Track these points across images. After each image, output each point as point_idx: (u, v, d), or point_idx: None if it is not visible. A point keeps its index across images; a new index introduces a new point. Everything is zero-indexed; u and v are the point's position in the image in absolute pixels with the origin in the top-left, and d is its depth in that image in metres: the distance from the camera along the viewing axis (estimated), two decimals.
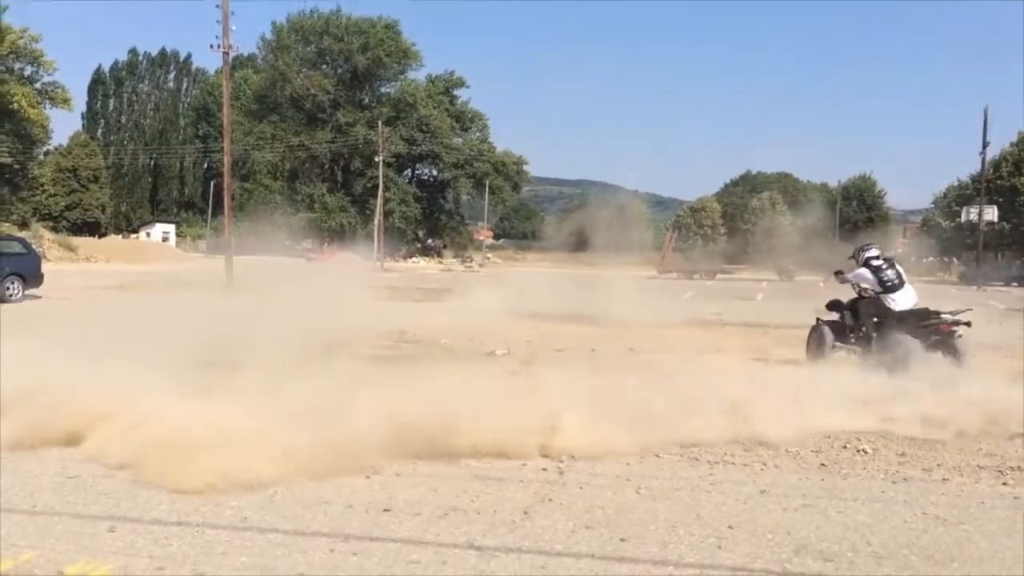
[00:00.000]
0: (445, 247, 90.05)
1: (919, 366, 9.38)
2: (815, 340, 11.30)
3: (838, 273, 11.29)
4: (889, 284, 10.53)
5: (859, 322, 10.92)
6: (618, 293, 21.76)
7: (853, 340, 10.98)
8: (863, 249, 10.99)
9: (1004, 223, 59.01)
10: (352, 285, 24.26)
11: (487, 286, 27.44)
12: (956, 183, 68.82)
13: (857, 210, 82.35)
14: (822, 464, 6.54)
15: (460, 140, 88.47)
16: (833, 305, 11.44)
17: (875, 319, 10.65)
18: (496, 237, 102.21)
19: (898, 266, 10.73)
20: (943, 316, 10.21)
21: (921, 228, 75.30)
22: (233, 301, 15.97)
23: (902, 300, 10.46)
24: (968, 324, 10.15)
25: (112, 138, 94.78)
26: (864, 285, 10.78)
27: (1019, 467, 6.47)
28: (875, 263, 10.67)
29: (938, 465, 6.53)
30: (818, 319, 11.45)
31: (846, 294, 11.49)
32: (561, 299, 20.82)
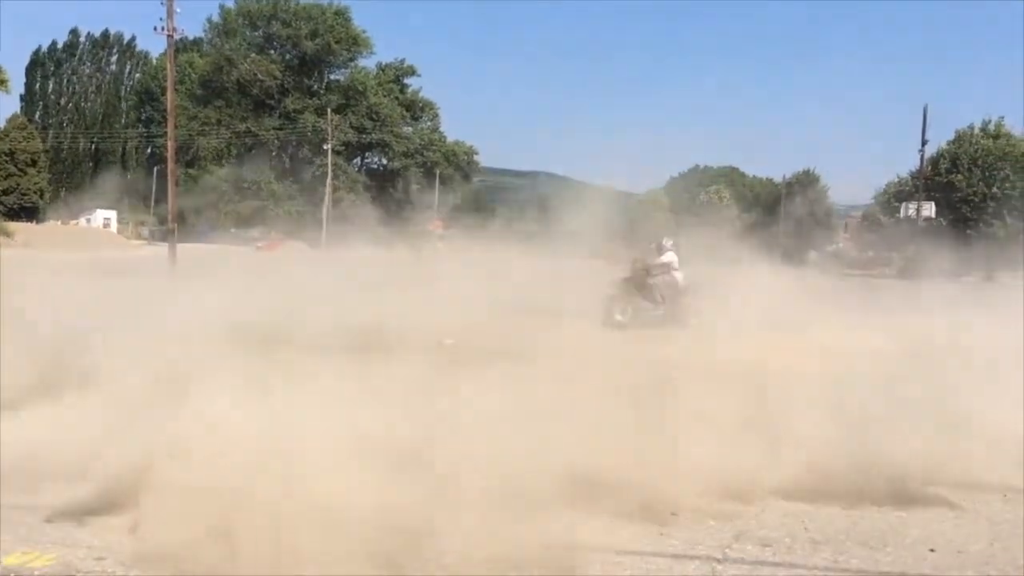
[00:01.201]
0: (395, 236, 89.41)
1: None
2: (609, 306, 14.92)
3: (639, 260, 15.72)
4: (676, 267, 15.33)
5: (653, 292, 15.05)
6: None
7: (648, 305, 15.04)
8: (665, 241, 15.86)
9: (941, 219, 60.68)
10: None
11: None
12: (896, 180, 70.44)
13: (801, 205, 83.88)
14: None
15: (410, 129, 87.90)
16: (630, 279, 15.26)
17: (667, 290, 15.05)
18: (447, 227, 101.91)
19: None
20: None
21: (862, 223, 76.96)
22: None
23: (682, 278, 15.19)
24: None
25: (51, 121, 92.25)
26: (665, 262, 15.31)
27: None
28: (672, 251, 15.51)
29: None
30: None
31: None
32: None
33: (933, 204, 57.24)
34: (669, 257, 15.39)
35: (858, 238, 70.70)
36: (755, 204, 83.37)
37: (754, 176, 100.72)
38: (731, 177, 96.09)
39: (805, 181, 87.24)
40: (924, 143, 50.64)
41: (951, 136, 66.79)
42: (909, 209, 56.38)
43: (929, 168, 59.77)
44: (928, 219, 55.58)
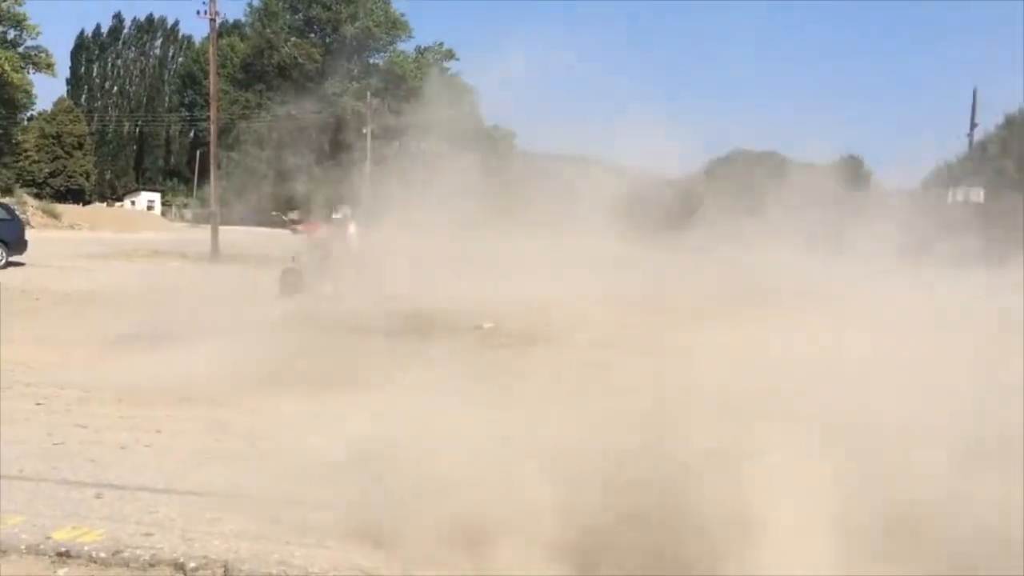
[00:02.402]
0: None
1: None
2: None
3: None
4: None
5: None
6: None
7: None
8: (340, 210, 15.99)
9: (991, 204, 59.33)
10: None
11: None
12: (944, 164, 68.98)
13: (844, 190, 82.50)
14: None
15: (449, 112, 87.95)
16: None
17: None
18: None
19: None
20: None
21: (908, 208, 75.45)
22: None
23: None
24: None
25: (96, 104, 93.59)
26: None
27: None
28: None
29: None
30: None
31: None
32: None
33: (982, 190, 55.94)
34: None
35: (904, 223, 69.29)
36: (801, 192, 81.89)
37: (796, 160, 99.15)
38: (772, 162, 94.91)
39: (848, 165, 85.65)
40: (973, 127, 49.46)
41: (1001, 120, 65.14)
42: (957, 194, 55.17)
43: (979, 152, 58.37)
44: (977, 204, 54.36)
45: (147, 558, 4.01)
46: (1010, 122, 64.67)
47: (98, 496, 4.78)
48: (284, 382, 7.58)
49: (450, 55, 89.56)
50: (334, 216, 17.02)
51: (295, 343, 9.08)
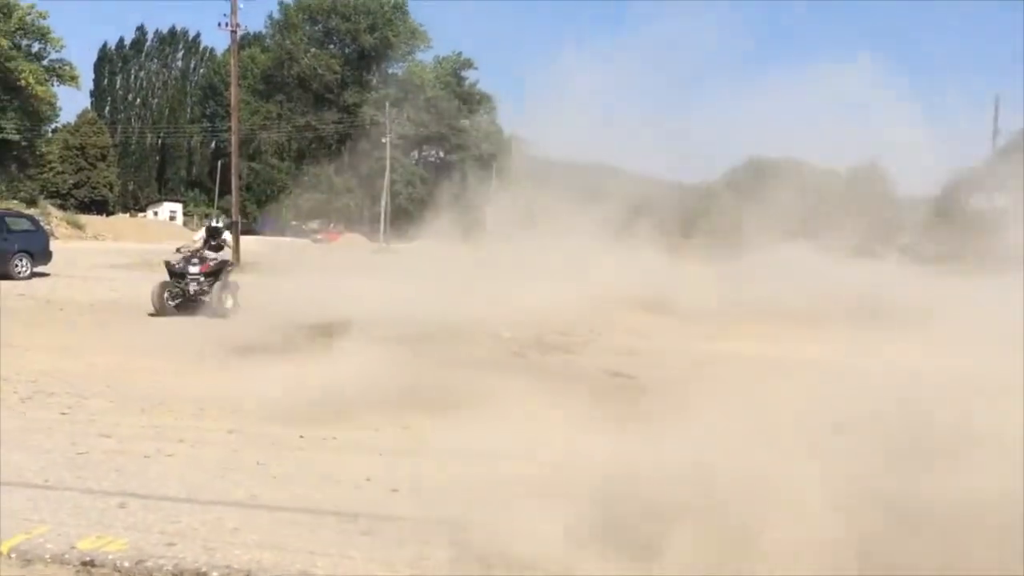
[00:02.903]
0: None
1: None
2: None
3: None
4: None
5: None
6: None
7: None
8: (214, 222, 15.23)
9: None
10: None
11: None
12: (968, 169, 68.36)
13: (866, 197, 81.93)
14: None
15: (467, 122, 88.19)
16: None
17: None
18: None
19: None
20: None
21: (931, 214, 74.82)
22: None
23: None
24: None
25: (119, 116, 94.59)
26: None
27: None
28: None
29: None
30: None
31: None
32: None
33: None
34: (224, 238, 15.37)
35: (927, 229, 68.72)
36: (818, 198, 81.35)
37: (817, 167, 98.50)
38: (790, 168, 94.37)
39: (870, 172, 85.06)
40: (996, 132, 49.00)
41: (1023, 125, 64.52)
42: (980, 200, 54.71)
43: (1000, 158, 57.86)
44: (1000, 211, 53.84)
45: (170, 568, 4.04)
46: None
47: (122, 506, 4.81)
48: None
49: (468, 64, 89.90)
50: (213, 224, 16.86)
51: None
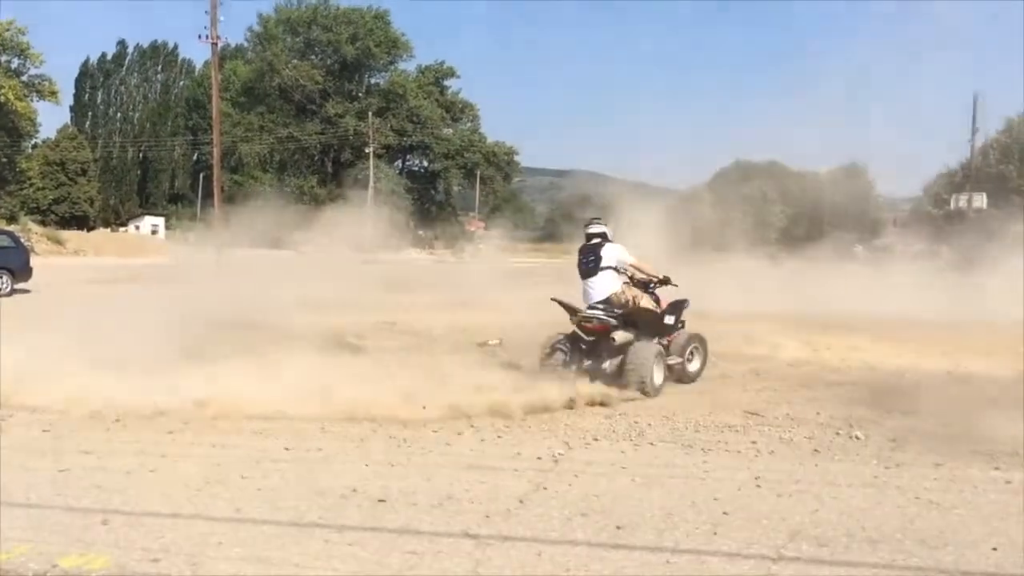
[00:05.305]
0: (436, 238, 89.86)
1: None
2: None
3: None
4: (583, 268, 9.13)
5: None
6: None
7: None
8: (586, 225, 9.50)
9: (994, 209, 59.24)
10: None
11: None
12: (946, 170, 68.86)
13: (847, 199, 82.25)
14: (815, 450, 6.57)
15: (451, 131, 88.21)
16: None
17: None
18: (487, 228, 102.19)
19: (609, 249, 9.06)
20: (588, 313, 8.77)
21: (911, 216, 75.42)
22: None
23: (587, 290, 9.04)
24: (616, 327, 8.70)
25: (100, 131, 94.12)
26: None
27: (1013, 452, 6.50)
28: (586, 243, 9.26)
29: (930, 450, 6.56)
30: None
31: None
32: None
33: (984, 195, 55.90)
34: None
35: (906, 232, 69.26)
36: (800, 199, 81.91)
37: (798, 170, 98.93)
38: (773, 171, 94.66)
39: (850, 174, 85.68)
40: (974, 132, 49.55)
41: (1001, 125, 65.18)
42: (960, 201, 55.14)
43: (980, 158, 58.41)
44: (979, 210, 54.30)
45: None
46: (1009, 127, 64.75)
47: (104, 522, 4.77)
48: None
49: (451, 73, 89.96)
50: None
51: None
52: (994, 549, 4.46)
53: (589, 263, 9.00)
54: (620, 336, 8.65)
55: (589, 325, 8.68)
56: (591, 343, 8.72)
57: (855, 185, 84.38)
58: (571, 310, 8.85)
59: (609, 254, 8.99)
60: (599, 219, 9.50)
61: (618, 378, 8.48)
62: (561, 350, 8.80)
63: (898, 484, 5.66)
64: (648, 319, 8.96)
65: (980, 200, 54.35)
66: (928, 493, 5.44)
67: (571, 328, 8.89)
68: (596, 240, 9.14)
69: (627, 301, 8.89)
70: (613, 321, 8.66)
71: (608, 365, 8.63)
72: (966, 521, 4.91)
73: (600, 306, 8.81)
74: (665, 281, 9.33)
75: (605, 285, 8.89)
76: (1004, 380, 9.90)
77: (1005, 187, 61.09)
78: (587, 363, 8.69)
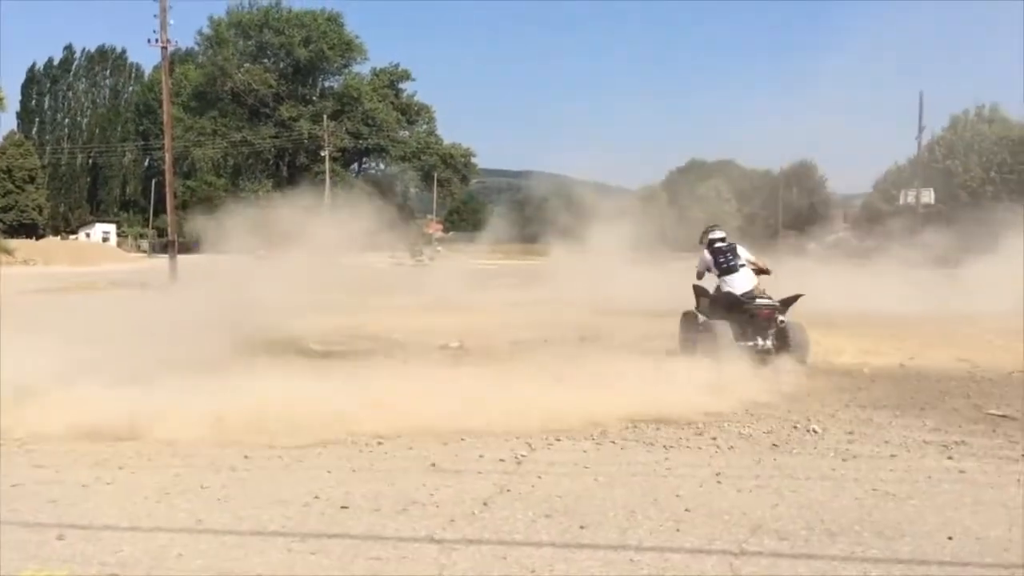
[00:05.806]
0: (395, 241, 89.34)
1: (724, 353, 9.36)
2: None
3: None
4: (724, 266, 10.62)
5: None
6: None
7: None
8: (707, 231, 11.09)
9: (941, 205, 60.62)
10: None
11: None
12: (895, 167, 70.31)
13: (799, 196, 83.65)
14: (773, 444, 6.66)
15: (407, 133, 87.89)
16: (698, 291, 11.16)
17: (709, 303, 10.81)
18: (446, 230, 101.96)
19: (739, 248, 10.85)
20: (759, 302, 10.16)
21: (861, 212, 76.83)
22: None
23: (734, 283, 10.45)
24: (780, 311, 10.13)
25: (48, 137, 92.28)
26: (701, 268, 11.07)
27: (963, 442, 6.66)
28: (717, 245, 10.85)
29: (885, 442, 6.69)
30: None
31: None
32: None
33: (932, 191, 57.15)
34: (704, 255, 11.04)
35: (857, 227, 70.60)
36: (753, 196, 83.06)
37: (752, 168, 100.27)
38: (727, 170, 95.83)
39: (802, 171, 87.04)
40: (921, 129, 50.68)
41: (947, 122, 66.76)
42: (908, 196, 56.32)
43: (926, 154, 59.71)
44: (927, 205, 55.50)
45: None
46: (955, 123, 66.27)
47: (60, 537, 4.66)
48: None
49: (406, 76, 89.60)
50: (708, 237, 11.29)
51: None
52: (949, 538, 4.56)
53: (729, 261, 10.64)
54: (783, 318, 10.14)
55: (764, 311, 10.08)
56: (756, 324, 10.08)
57: (807, 182, 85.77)
58: (734, 299, 10.23)
59: (743, 252, 10.80)
60: (717, 225, 11.37)
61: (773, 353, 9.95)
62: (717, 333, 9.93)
63: (855, 476, 5.76)
64: (791, 305, 10.38)
65: (928, 195, 55.55)
66: (884, 484, 5.54)
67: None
68: (725, 242, 10.92)
69: (763, 291, 10.48)
70: (778, 305, 10.16)
71: (769, 343, 10.09)
72: (922, 511, 5.01)
73: (753, 295, 10.32)
74: (767, 271, 10.98)
75: (748, 278, 10.54)
76: (957, 373, 10.15)
77: (951, 182, 62.52)
78: (752, 342, 10.02)
